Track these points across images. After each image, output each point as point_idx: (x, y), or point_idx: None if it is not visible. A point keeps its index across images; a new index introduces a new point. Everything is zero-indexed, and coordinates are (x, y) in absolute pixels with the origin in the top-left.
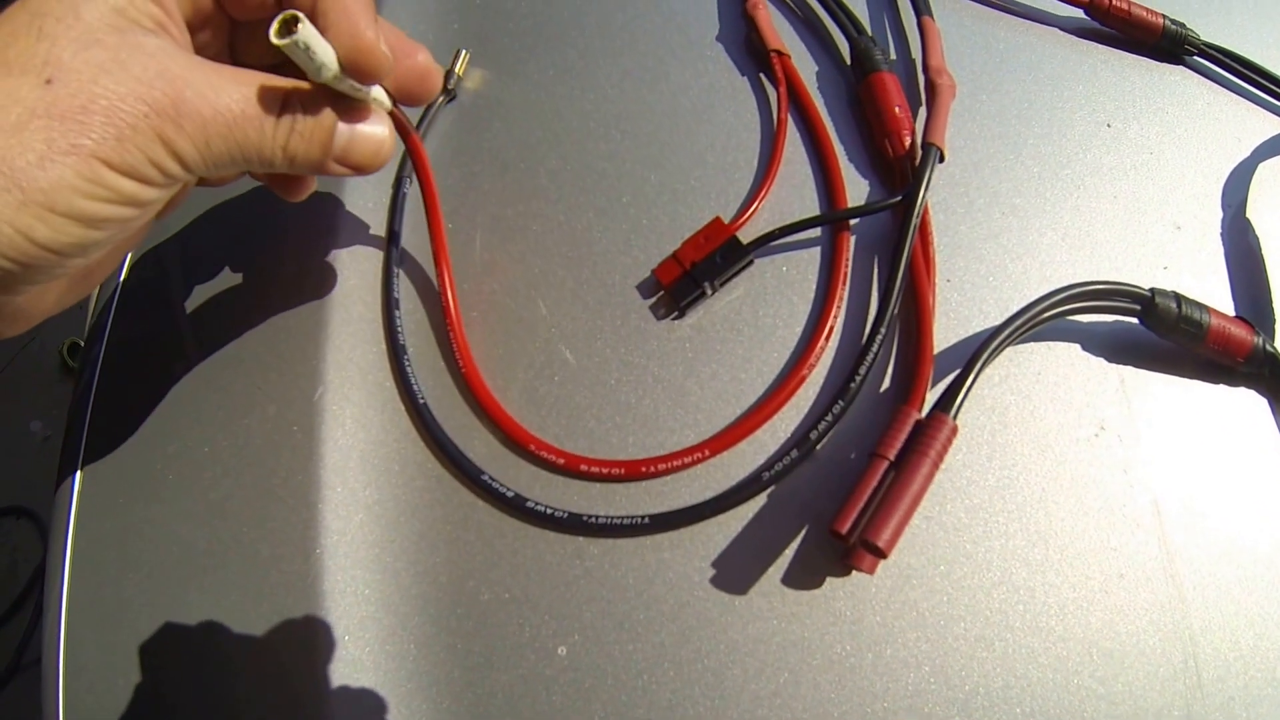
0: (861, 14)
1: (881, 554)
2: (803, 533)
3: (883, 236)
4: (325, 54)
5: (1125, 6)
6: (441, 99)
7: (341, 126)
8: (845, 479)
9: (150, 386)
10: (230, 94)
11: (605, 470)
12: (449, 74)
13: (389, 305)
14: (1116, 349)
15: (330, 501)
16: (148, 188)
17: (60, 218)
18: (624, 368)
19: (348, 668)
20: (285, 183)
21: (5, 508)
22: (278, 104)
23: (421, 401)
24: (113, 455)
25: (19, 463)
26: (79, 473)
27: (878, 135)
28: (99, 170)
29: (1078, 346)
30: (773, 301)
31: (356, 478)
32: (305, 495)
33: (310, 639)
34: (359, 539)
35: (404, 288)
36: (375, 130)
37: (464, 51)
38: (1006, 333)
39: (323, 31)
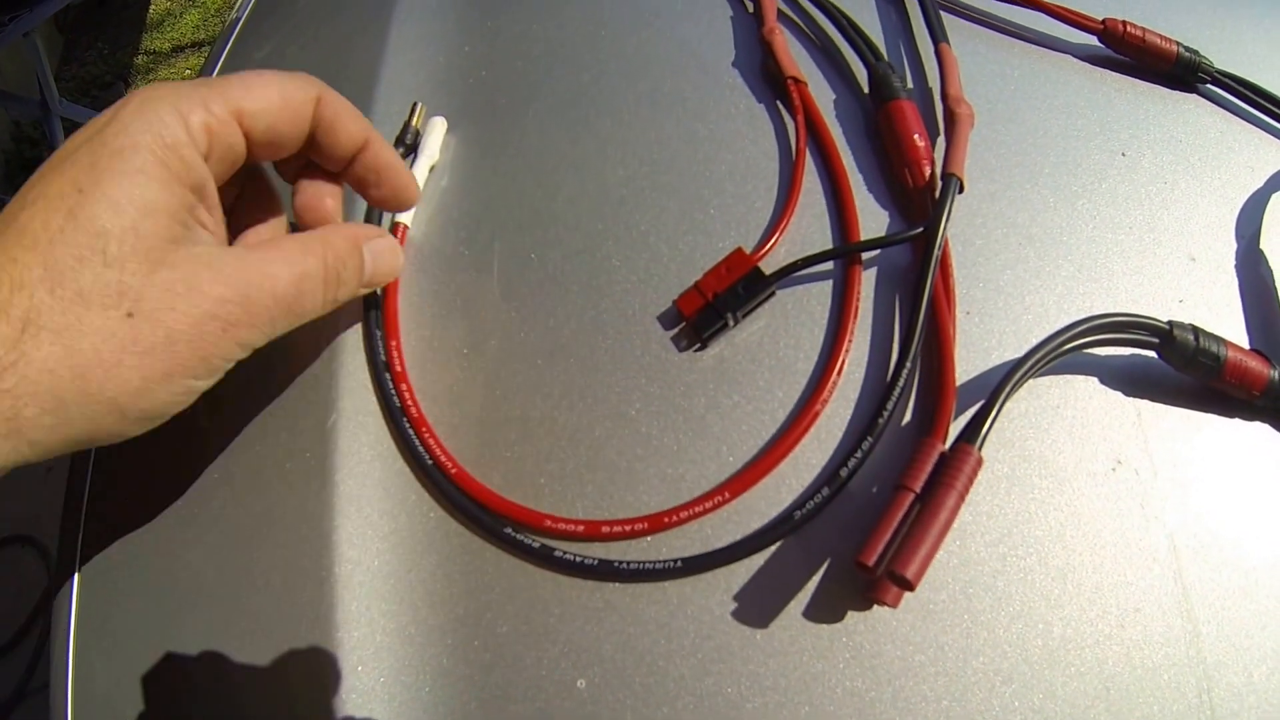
0: (878, 39)
1: (909, 586)
2: (824, 566)
3: (903, 266)
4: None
5: (1139, 33)
6: (400, 150)
7: (365, 256)
8: (865, 512)
9: None
10: (284, 277)
11: (628, 528)
12: (406, 126)
13: (378, 373)
14: (1133, 382)
15: (344, 530)
16: (217, 374)
17: (146, 421)
18: (646, 399)
19: (360, 698)
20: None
21: (11, 536)
22: (322, 271)
23: (430, 463)
24: (119, 479)
25: (24, 492)
26: (86, 496)
27: (897, 164)
28: (188, 384)
29: (1095, 380)
30: (794, 333)
31: (372, 506)
32: (319, 524)
33: (322, 669)
34: (373, 568)
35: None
36: (386, 244)
37: (420, 105)
38: (1029, 365)
39: (375, 182)
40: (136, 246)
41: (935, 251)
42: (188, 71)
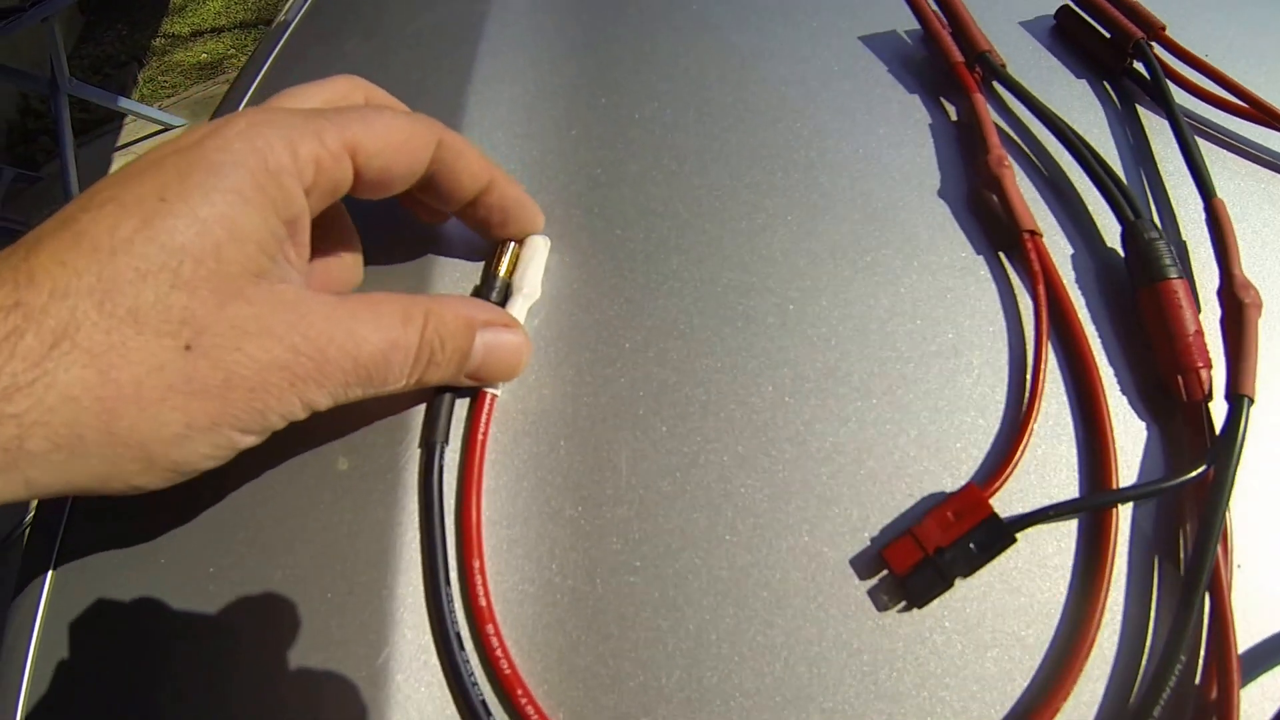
0: (1118, 169)
1: None
2: None
3: (1163, 501)
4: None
5: None
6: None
7: (478, 343)
8: None
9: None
10: (372, 342)
11: None
12: (500, 251)
13: (446, 643)
14: None
15: None
16: (267, 432)
17: (174, 474)
18: (828, 670)
19: None
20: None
21: None
22: (417, 346)
23: None
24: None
25: None
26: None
27: (1164, 365)
28: (233, 438)
29: None
30: (1028, 592)
31: None
32: None
33: None
34: None
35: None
36: (512, 339)
37: (512, 244)
38: None
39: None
40: (215, 272)
41: (1225, 502)
42: (204, 55)
